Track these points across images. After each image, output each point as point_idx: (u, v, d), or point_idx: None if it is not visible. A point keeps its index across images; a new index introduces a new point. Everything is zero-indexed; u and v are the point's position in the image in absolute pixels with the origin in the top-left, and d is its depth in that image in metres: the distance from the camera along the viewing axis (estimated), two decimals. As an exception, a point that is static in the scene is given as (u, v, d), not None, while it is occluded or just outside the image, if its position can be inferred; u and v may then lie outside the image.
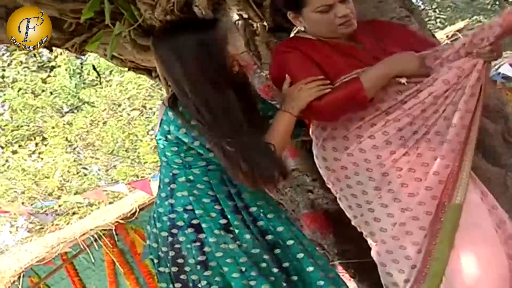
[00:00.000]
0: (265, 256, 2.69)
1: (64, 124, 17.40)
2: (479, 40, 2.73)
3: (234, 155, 2.61)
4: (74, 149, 17.54)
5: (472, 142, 2.75)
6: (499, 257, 2.66)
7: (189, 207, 2.71)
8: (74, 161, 17.11)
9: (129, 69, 4.71)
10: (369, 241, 2.90)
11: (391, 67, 2.78)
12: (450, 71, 2.75)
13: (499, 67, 8.52)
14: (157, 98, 15.80)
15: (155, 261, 2.80)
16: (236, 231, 2.69)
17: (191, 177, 2.74)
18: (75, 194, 16.11)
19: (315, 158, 3.00)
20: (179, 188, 2.75)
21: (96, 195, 9.17)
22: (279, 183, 2.75)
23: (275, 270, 2.68)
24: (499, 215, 2.78)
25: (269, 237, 2.74)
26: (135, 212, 8.43)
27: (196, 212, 2.70)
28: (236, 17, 3.44)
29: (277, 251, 2.73)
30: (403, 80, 2.78)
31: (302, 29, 2.98)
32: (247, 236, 2.69)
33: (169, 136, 2.73)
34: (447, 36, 9.31)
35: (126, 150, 16.83)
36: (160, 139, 2.78)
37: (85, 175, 17.19)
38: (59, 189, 16.40)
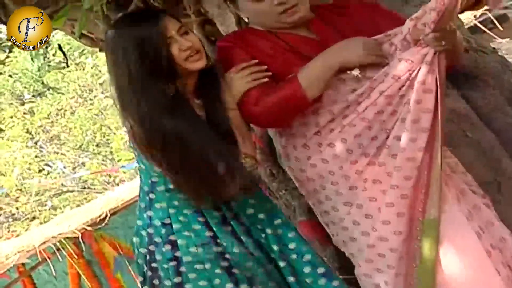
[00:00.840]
0: (260, 269, 2.73)
1: (24, 113, 17.34)
2: (422, 26, 2.63)
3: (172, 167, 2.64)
4: (35, 142, 17.48)
5: (438, 148, 2.67)
6: (494, 284, 2.61)
7: (167, 221, 2.75)
8: (36, 156, 17.04)
9: (101, 50, 4.70)
10: (353, 262, 2.91)
11: (331, 58, 2.72)
12: (400, 64, 2.68)
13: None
14: (135, 84, 15.73)
15: (140, 279, 2.84)
16: (224, 244, 2.72)
17: (171, 186, 2.75)
18: (36, 195, 16.11)
19: (287, 169, 3.02)
20: (158, 199, 2.78)
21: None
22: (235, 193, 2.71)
23: (271, 284, 2.74)
24: (496, 233, 2.73)
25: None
26: (106, 217, 8.39)
27: (174, 226, 2.73)
28: (226, -8, 3.45)
29: (282, 264, 2.80)
30: (356, 73, 2.73)
31: (246, 20, 2.97)
32: (236, 250, 2.72)
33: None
34: (474, 16, 8.67)
35: (97, 145, 16.79)
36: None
37: (49, 173, 17.14)
38: (17, 190, 16.36)
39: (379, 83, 2.70)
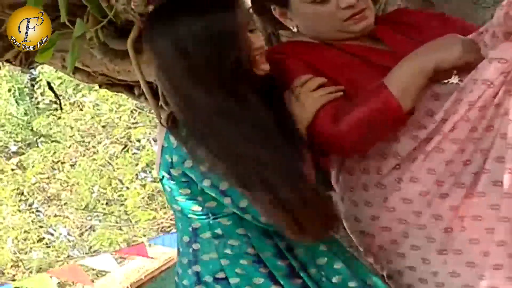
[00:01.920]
0: None
1: (12, 169, 17.54)
2: None
3: (271, 196, 2.58)
4: (30, 205, 17.67)
5: None
6: None
7: (221, 275, 2.72)
8: (32, 222, 17.23)
9: (100, 86, 4.77)
10: None
11: (423, 59, 2.71)
12: (490, 66, 2.63)
13: None
14: (146, 125, 15.88)
15: None
16: None
17: (218, 231, 2.73)
18: (37, 272, 16.23)
19: (343, 220, 2.97)
20: (204, 249, 2.75)
21: (71, 274, 9.13)
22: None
23: None
24: None
25: None
26: (127, 294, 8.48)
27: (231, 281, 2.70)
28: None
29: None
30: (455, 80, 2.69)
31: (295, 30, 2.98)
32: None
33: (173, 172, 2.71)
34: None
35: (107, 203, 16.94)
36: (164, 178, 2.77)
37: (51, 242, 17.29)
38: (13, 265, 16.52)
39: (468, 92, 2.66)
